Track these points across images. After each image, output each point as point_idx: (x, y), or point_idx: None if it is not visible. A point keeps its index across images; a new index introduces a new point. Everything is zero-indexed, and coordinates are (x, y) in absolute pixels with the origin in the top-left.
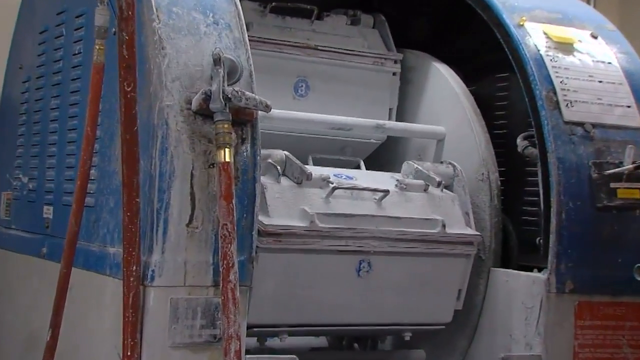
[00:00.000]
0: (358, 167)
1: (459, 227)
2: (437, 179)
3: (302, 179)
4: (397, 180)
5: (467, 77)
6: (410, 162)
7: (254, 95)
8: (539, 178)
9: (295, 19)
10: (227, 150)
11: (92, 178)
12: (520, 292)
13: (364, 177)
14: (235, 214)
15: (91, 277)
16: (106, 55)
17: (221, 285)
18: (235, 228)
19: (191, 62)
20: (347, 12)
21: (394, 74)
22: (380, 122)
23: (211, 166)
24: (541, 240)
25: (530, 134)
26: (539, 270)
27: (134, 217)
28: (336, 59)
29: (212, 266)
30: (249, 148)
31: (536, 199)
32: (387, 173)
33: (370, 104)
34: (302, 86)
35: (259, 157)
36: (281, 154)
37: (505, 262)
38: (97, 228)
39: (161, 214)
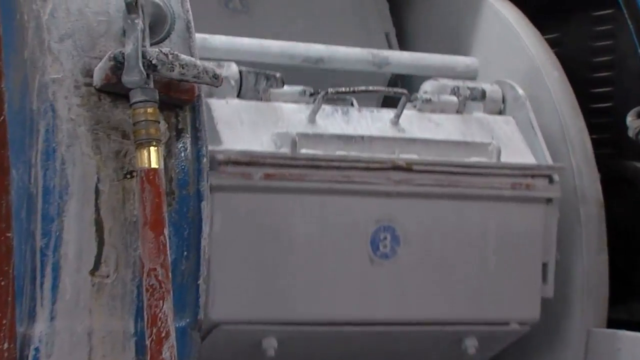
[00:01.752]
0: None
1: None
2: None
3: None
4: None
5: (542, 20)
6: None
7: (194, 59)
8: None
9: (368, 113)
10: (152, 150)
11: None
12: None
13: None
14: (169, 253)
15: None
16: None
17: None
18: (170, 275)
19: (90, 7)
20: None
21: None
22: None
23: (128, 176)
24: None
25: None
26: None
27: (4, 263)
28: (445, 186)
29: (133, 338)
30: (188, 145)
31: None
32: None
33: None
34: (384, 239)
35: (205, 159)
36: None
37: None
38: None
39: (48, 256)
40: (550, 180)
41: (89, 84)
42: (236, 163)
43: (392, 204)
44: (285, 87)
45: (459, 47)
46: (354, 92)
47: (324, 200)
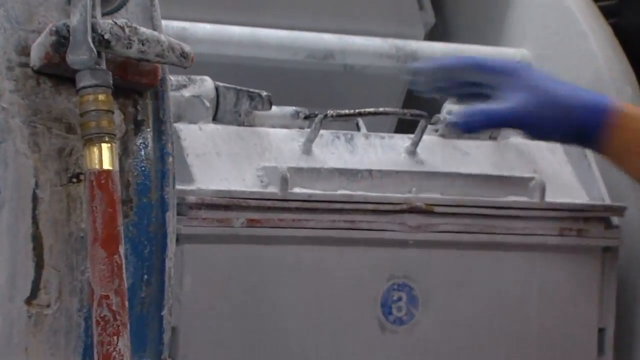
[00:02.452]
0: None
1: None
2: None
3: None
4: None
5: None
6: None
7: (157, 34)
8: None
9: (378, 140)
10: (105, 147)
11: None
12: None
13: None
14: (126, 276)
15: None
16: None
17: None
18: (127, 304)
19: None
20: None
21: None
22: None
23: (74, 180)
24: None
25: None
26: None
27: None
28: (475, 233)
29: None
30: (150, 141)
31: None
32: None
33: None
34: (399, 300)
35: (171, 159)
36: (209, 84)
37: None
38: None
39: None
40: (608, 224)
41: (25, 64)
42: (212, 206)
43: (409, 255)
44: (274, 108)
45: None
46: (360, 114)
47: (322, 252)
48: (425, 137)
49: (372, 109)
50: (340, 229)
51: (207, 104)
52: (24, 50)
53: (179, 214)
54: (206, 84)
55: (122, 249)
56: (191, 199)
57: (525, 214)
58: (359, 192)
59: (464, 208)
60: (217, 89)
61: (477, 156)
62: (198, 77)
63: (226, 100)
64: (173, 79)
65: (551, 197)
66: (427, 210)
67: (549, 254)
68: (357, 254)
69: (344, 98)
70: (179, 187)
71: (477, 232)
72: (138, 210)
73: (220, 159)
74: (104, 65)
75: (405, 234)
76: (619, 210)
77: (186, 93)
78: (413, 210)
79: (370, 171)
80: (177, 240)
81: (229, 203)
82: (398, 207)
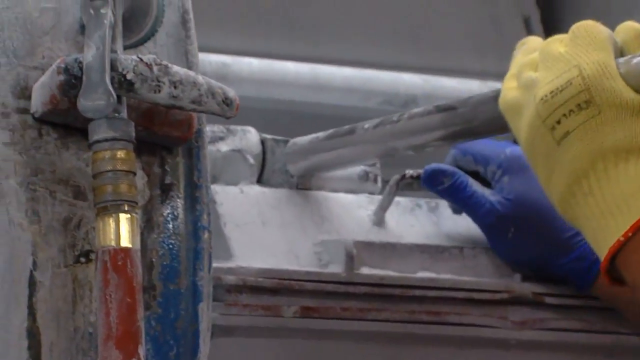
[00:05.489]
0: None
1: None
2: None
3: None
4: None
5: None
6: None
7: (193, 73)
8: None
9: None
10: (123, 218)
11: None
12: None
13: None
14: None
15: None
16: None
17: None
18: None
19: None
20: None
21: None
22: None
23: (82, 259)
24: None
25: None
26: None
27: None
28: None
29: None
30: (180, 211)
31: None
32: None
33: None
34: None
35: (207, 234)
36: (254, 137)
37: None
38: None
39: None
40: None
41: (24, 110)
42: (256, 290)
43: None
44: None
45: None
46: None
47: (397, 352)
48: None
49: None
50: (421, 322)
51: (251, 160)
52: (23, 92)
53: (214, 299)
54: (249, 136)
55: (142, 351)
56: (230, 279)
57: None
58: (445, 276)
59: (583, 300)
60: (263, 142)
61: None
62: (239, 128)
63: (275, 157)
64: (207, 129)
65: None
66: (535, 301)
67: None
68: (442, 356)
69: (429, 156)
70: (214, 265)
71: (601, 331)
72: (163, 301)
73: (267, 229)
74: (124, 114)
75: (506, 331)
76: None
77: (224, 147)
78: (517, 300)
79: (460, 248)
80: (211, 333)
81: (278, 286)
82: (497, 297)
